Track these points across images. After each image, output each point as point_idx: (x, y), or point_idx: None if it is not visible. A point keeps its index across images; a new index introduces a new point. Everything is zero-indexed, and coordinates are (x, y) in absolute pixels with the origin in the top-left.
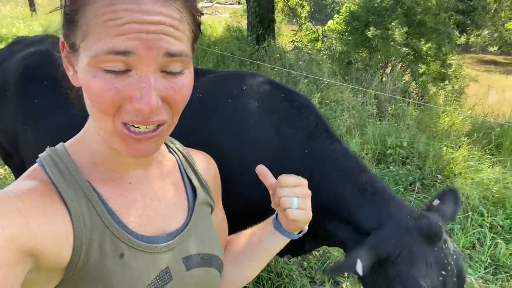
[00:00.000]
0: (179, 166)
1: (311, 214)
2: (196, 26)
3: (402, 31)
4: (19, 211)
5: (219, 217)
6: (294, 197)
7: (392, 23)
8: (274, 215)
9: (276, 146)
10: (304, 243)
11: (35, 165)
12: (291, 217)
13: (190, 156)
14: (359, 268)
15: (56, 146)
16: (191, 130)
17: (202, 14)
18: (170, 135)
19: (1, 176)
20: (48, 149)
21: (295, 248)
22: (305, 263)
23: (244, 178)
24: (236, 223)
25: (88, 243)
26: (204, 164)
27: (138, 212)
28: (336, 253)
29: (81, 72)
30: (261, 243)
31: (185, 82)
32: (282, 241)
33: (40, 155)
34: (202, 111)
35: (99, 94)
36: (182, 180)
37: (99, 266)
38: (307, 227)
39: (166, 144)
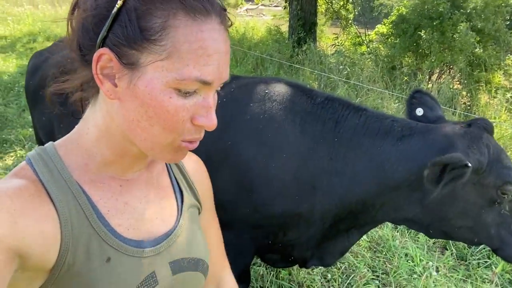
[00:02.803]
0: (167, 169)
1: None
2: None
3: (475, 36)
4: (8, 211)
5: (207, 220)
6: None
7: (460, 25)
8: None
9: (302, 148)
10: (348, 236)
11: (23, 163)
12: None
13: None
14: (469, 162)
15: (45, 145)
16: (212, 137)
17: None
18: None
19: None
20: (37, 148)
21: (338, 243)
22: (329, 275)
23: (266, 189)
24: (259, 238)
25: (75, 246)
26: (193, 166)
27: (127, 215)
28: (362, 267)
29: (149, 90)
30: None
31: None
32: None
33: (28, 154)
34: (223, 117)
35: (175, 114)
36: (171, 183)
37: (85, 269)
38: None
39: None
